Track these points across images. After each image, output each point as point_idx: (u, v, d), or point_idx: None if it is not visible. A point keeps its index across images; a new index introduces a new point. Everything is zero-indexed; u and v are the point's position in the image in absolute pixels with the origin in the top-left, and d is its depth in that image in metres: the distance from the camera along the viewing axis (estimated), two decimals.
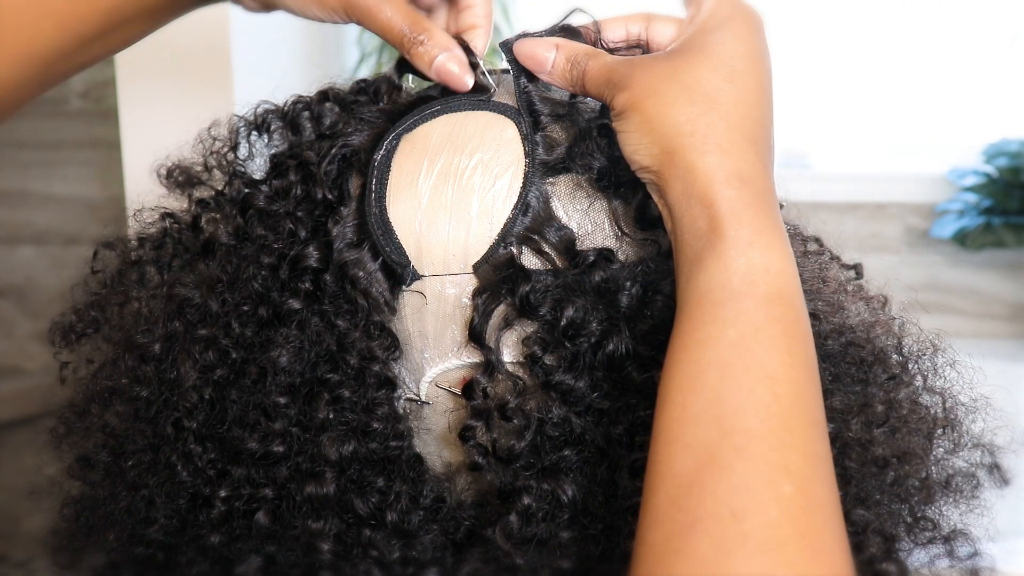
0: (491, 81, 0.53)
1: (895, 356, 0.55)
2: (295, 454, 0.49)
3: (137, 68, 1.23)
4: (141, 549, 0.54)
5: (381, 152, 0.51)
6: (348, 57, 1.86)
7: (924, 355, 0.56)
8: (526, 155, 0.50)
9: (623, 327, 0.48)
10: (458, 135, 0.51)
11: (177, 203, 0.59)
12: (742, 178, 0.43)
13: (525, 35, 0.53)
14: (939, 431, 0.55)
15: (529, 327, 0.49)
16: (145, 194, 0.61)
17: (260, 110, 0.58)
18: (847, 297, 0.58)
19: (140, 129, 1.24)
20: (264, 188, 0.54)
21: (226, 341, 0.51)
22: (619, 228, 0.50)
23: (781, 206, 0.60)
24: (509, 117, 0.52)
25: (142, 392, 0.53)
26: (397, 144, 0.52)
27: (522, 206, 0.49)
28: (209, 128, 0.60)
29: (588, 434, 0.48)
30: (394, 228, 0.50)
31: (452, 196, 0.50)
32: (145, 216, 0.59)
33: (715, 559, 0.35)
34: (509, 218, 0.49)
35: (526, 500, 0.47)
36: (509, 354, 0.50)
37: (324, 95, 0.57)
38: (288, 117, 0.57)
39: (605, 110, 0.50)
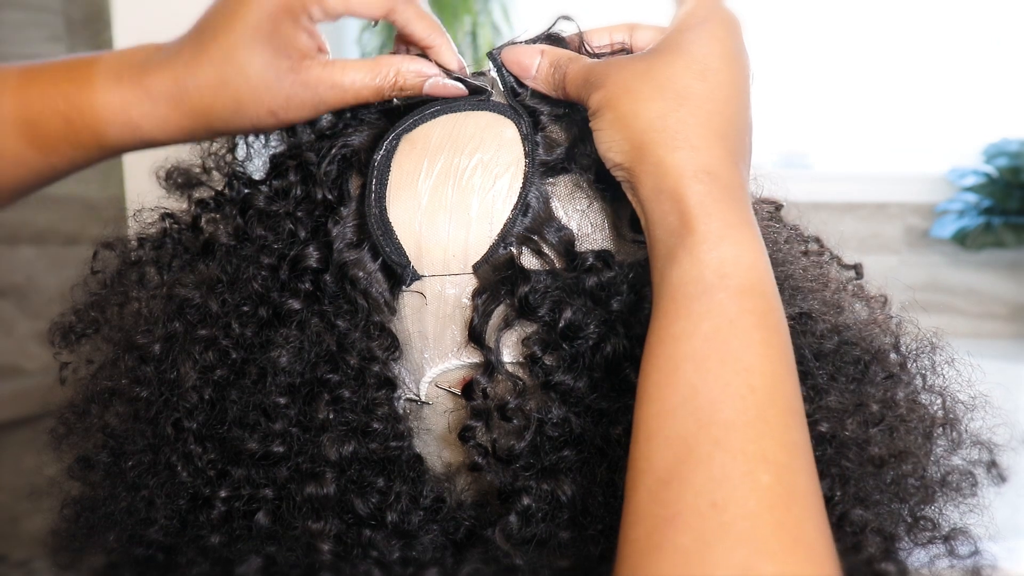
0: (484, 83, 0.53)
1: (893, 355, 0.55)
2: (295, 454, 0.49)
3: None
4: (141, 549, 0.54)
5: (381, 152, 0.51)
6: (348, 56, 1.86)
7: (923, 353, 0.56)
8: (526, 155, 0.50)
9: (620, 329, 0.48)
10: (458, 135, 0.51)
11: (177, 204, 0.59)
12: (711, 173, 0.43)
13: (512, 43, 0.53)
14: (938, 430, 0.55)
15: (529, 327, 0.49)
16: (145, 194, 0.61)
17: None
18: (847, 297, 0.58)
19: None
20: (264, 188, 0.54)
21: (226, 341, 0.51)
22: (617, 230, 0.50)
23: (780, 206, 0.60)
24: (509, 117, 0.52)
25: (142, 392, 0.53)
26: (397, 144, 0.52)
27: (522, 206, 0.49)
28: None
29: (587, 434, 0.48)
30: (394, 228, 0.50)
31: (452, 196, 0.50)
32: (145, 216, 0.59)
33: (696, 552, 0.35)
34: (509, 218, 0.49)
35: (526, 500, 0.47)
36: (509, 354, 0.50)
37: None
38: None
39: None
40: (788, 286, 0.52)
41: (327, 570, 0.49)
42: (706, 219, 0.42)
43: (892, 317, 0.59)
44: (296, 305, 0.50)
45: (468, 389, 0.50)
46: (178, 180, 0.60)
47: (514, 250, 0.49)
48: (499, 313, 0.49)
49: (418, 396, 0.52)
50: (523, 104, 0.52)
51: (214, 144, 0.59)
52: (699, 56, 0.46)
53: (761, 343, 0.40)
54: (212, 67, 0.50)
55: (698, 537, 0.35)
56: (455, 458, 0.53)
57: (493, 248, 0.49)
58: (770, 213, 0.59)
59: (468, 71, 0.54)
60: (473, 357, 0.50)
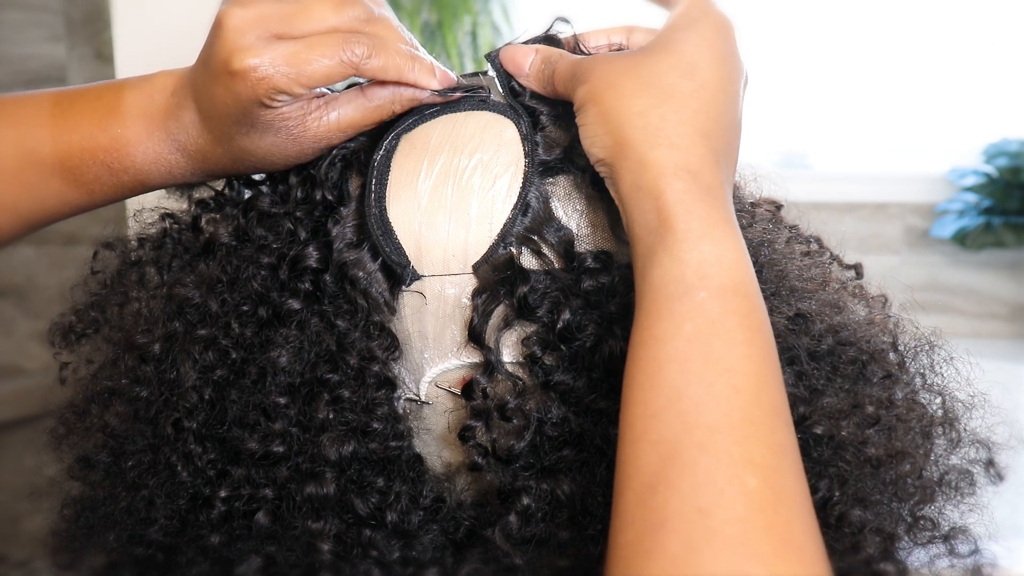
0: (479, 83, 0.53)
1: (892, 354, 0.55)
2: (295, 454, 0.49)
3: (137, 70, 1.23)
4: (141, 549, 0.54)
5: (380, 152, 0.51)
6: None
7: (921, 353, 0.56)
8: (526, 155, 0.50)
9: (618, 329, 0.48)
10: (458, 135, 0.51)
11: (177, 204, 0.59)
12: (691, 171, 0.43)
13: (509, 45, 0.53)
14: (937, 429, 0.55)
15: (528, 327, 0.49)
16: (145, 195, 0.61)
17: None
18: (846, 297, 0.58)
19: None
20: (264, 189, 0.55)
21: (226, 341, 0.51)
22: (616, 230, 0.50)
23: (780, 206, 0.60)
24: (508, 117, 0.52)
25: (142, 392, 0.53)
26: (397, 144, 0.52)
27: (522, 206, 0.49)
28: None
29: (587, 434, 0.48)
30: (394, 228, 0.50)
31: (452, 196, 0.50)
32: (145, 217, 0.59)
33: (684, 558, 0.35)
34: (509, 218, 0.49)
35: (525, 500, 0.47)
36: (509, 354, 0.50)
37: None
38: None
39: None
40: (785, 286, 0.52)
41: (327, 570, 0.49)
42: (686, 217, 0.42)
43: (891, 317, 0.58)
44: (296, 305, 0.50)
45: (468, 389, 0.50)
46: None
47: (514, 250, 0.49)
48: (499, 313, 0.49)
49: (418, 396, 0.52)
50: (523, 104, 0.52)
51: None
52: (687, 55, 0.46)
53: (744, 343, 0.40)
54: (222, 148, 0.52)
55: (686, 543, 0.35)
56: (455, 458, 0.53)
57: (493, 248, 0.49)
58: (771, 212, 0.59)
59: (460, 72, 0.54)
60: (473, 357, 0.50)
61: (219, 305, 0.51)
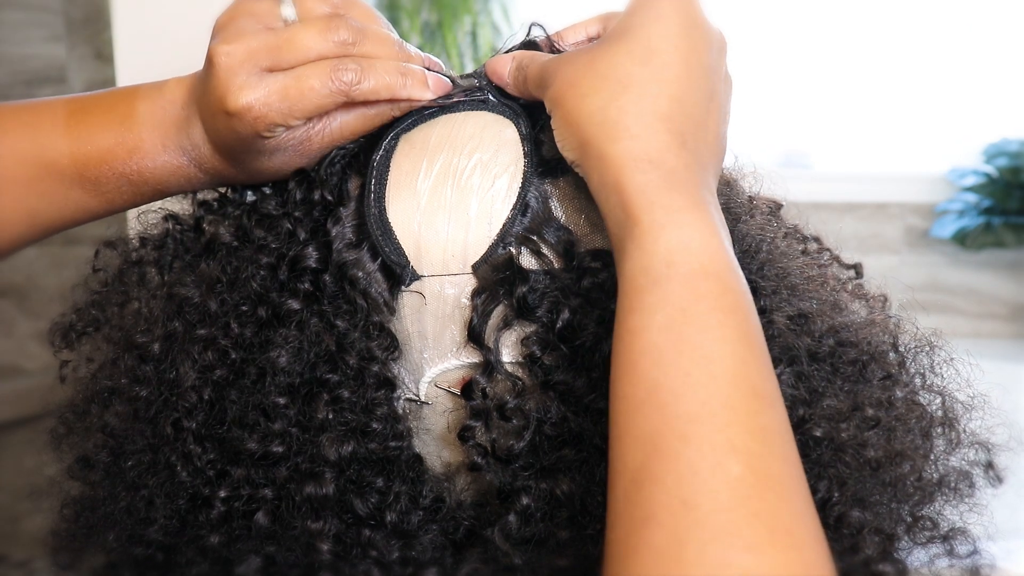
0: (475, 83, 0.54)
1: (892, 355, 0.55)
2: (294, 454, 0.49)
3: (137, 70, 1.23)
4: (141, 549, 0.54)
5: (380, 152, 0.51)
6: None
7: (921, 353, 0.56)
8: (525, 155, 0.50)
9: None
10: (457, 135, 0.51)
11: (180, 205, 0.59)
12: (651, 160, 0.42)
13: (492, 58, 0.54)
14: (937, 429, 0.55)
15: (528, 327, 0.49)
16: None
17: None
18: (846, 296, 0.58)
19: None
20: (266, 190, 0.55)
21: (225, 341, 0.51)
22: None
23: (780, 206, 0.60)
24: (508, 118, 0.52)
25: (142, 392, 0.53)
26: (396, 144, 0.52)
27: (521, 206, 0.49)
28: None
29: (586, 434, 0.48)
30: (393, 228, 0.50)
31: (451, 196, 0.50)
32: (149, 218, 0.59)
33: (671, 551, 0.35)
34: (508, 218, 0.49)
35: (525, 500, 0.47)
36: (508, 354, 0.50)
37: None
38: None
39: None
40: (786, 284, 0.52)
41: (326, 570, 0.49)
42: (648, 208, 0.41)
43: (891, 317, 0.58)
44: (295, 305, 0.50)
45: (467, 389, 0.50)
46: None
47: (513, 250, 0.49)
48: (498, 313, 0.49)
49: (417, 396, 0.52)
50: (521, 104, 0.53)
51: None
52: (642, 39, 0.45)
53: (718, 327, 0.39)
54: (235, 169, 0.53)
55: (672, 536, 0.35)
56: (454, 458, 0.53)
57: (492, 248, 0.49)
58: (770, 209, 0.59)
59: (460, 72, 0.54)
60: (472, 357, 0.50)
61: (219, 305, 0.51)
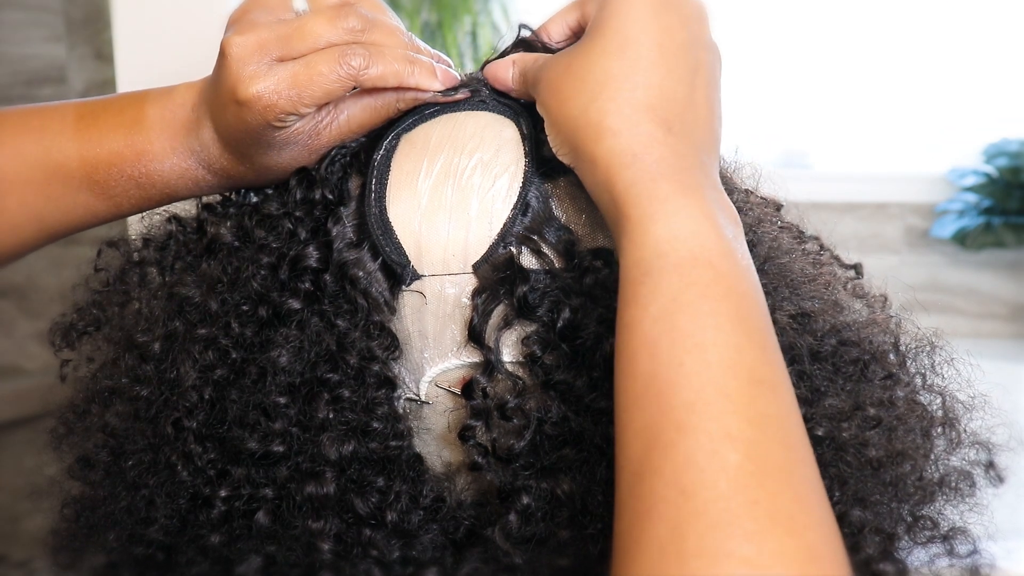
0: (478, 84, 0.54)
1: (893, 355, 0.55)
2: (295, 454, 0.49)
3: (137, 70, 1.23)
4: (141, 549, 0.54)
5: (381, 152, 0.51)
6: None
7: (922, 353, 0.56)
8: (526, 155, 0.50)
9: None
10: (458, 135, 0.51)
11: (183, 207, 0.59)
12: (636, 153, 0.43)
13: (489, 62, 0.54)
14: (937, 429, 0.55)
15: (529, 327, 0.49)
16: None
17: None
18: (846, 296, 0.58)
19: None
20: (269, 191, 0.55)
21: (226, 341, 0.51)
22: None
23: (781, 207, 0.60)
24: (508, 117, 0.52)
25: (142, 392, 0.53)
26: (397, 144, 0.52)
27: (522, 206, 0.49)
28: None
29: (587, 433, 0.48)
30: (394, 228, 0.50)
31: (452, 196, 0.50)
32: (153, 219, 0.60)
33: (672, 542, 0.35)
34: (509, 218, 0.49)
35: (525, 500, 0.47)
36: (509, 354, 0.50)
37: None
38: None
39: None
40: (787, 283, 0.52)
41: (327, 569, 0.49)
42: (636, 202, 0.41)
43: (892, 317, 0.58)
44: (296, 305, 0.50)
45: (468, 388, 0.50)
46: None
47: (514, 250, 0.49)
48: (499, 313, 0.49)
49: (418, 395, 0.52)
50: (522, 104, 0.53)
51: None
52: (615, 31, 0.45)
53: (711, 315, 0.39)
54: (244, 167, 0.53)
55: (672, 527, 0.35)
56: (455, 457, 0.53)
57: (493, 248, 0.49)
58: (768, 205, 0.59)
59: (462, 72, 0.54)
60: (473, 356, 0.50)
61: (219, 305, 0.51)
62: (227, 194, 0.57)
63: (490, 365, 0.49)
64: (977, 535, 0.54)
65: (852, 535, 0.49)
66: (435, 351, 0.51)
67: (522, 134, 0.51)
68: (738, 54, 1.94)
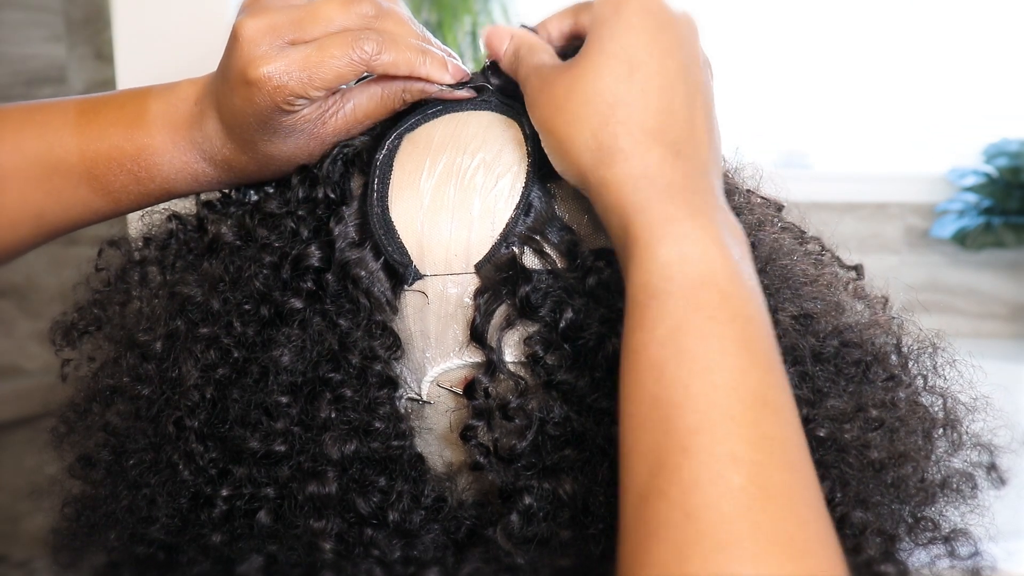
0: (483, 82, 0.54)
1: (894, 356, 0.55)
2: (297, 453, 0.49)
3: (137, 70, 1.23)
4: (142, 548, 0.54)
5: (383, 151, 0.51)
6: None
7: (924, 354, 0.56)
8: (528, 155, 0.50)
9: (620, 329, 0.48)
10: (460, 135, 0.51)
11: (184, 205, 0.59)
12: (647, 177, 0.43)
13: (494, 27, 0.54)
14: (939, 431, 0.55)
15: (531, 327, 0.49)
16: None
17: None
18: (848, 298, 0.58)
19: None
20: (269, 189, 0.55)
21: (228, 340, 0.51)
22: None
23: (781, 207, 0.60)
24: (511, 117, 0.52)
25: (143, 391, 0.53)
26: (399, 143, 0.52)
27: (524, 206, 0.49)
28: None
29: (589, 434, 0.48)
30: (396, 227, 0.50)
31: (454, 196, 0.50)
32: (153, 218, 0.60)
33: (676, 564, 0.35)
34: (511, 218, 0.49)
35: (527, 500, 0.47)
36: (511, 354, 0.50)
37: None
38: None
39: None
40: (788, 284, 0.52)
41: (328, 569, 0.49)
42: (645, 226, 0.41)
43: (894, 318, 0.58)
44: (298, 304, 0.50)
45: (470, 388, 0.50)
46: None
47: (516, 250, 0.49)
48: (501, 313, 0.49)
49: (420, 395, 0.52)
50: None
51: None
52: (620, 53, 0.45)
53: (717, 337, 0.39)
54: (247, 156, 0.53)
55: (676, 550, 0.35)
56: (456, 457, 0.53)
57: (495, 248, 0.49)
58: (769, 205, 0.59)
59: (468, 69, 0.54)
60: (475, 356, 0.50)
61: (221, 304, 0.51)
62: (227, 191, 0.57)
63: (492, 365, 0.49)
64: (978, 536, 0.54)
65: (854, 536, 0.49)
66: (437, 351, 0.51)
67: (524, 134, 0.51)
68: (738, 55, 1.94)
